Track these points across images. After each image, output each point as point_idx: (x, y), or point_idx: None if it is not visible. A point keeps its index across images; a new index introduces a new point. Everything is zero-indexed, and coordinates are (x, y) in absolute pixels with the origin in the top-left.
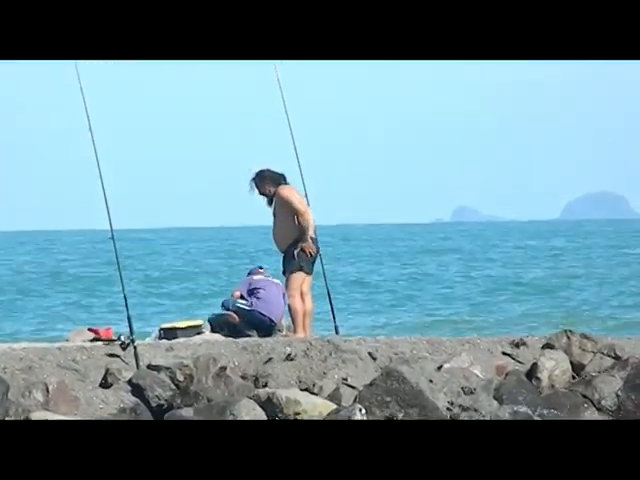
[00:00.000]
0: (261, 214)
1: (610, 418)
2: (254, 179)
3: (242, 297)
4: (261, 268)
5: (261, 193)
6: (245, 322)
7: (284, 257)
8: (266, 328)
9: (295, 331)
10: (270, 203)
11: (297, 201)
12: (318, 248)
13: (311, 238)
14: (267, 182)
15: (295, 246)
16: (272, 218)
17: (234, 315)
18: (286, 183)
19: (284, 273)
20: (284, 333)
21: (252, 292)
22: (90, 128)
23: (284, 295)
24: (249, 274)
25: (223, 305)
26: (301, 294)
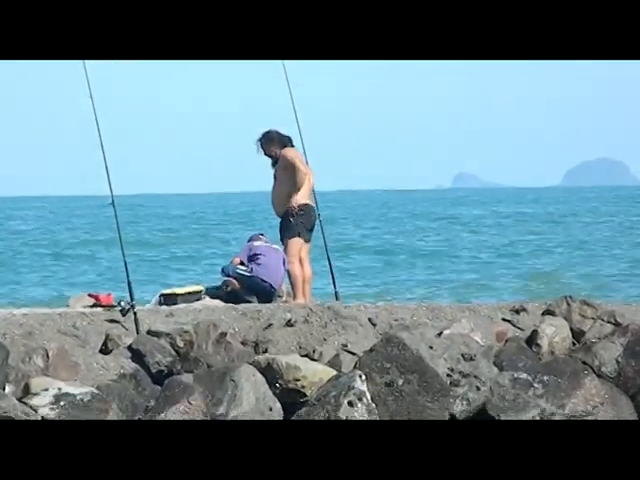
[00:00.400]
0: (260, 179)
1: (610, 384)
2: (260, 139)
3: (242, 263)
4: (262, 235)
5: (266, 154)
6: (245, 288)
7: (281, 222)
8: (266, 294)
9: (295, 297)
10: (275, 165)
11: (300, 162)
12: (318, 214)
13: (306, 205)
14: (273, 143)
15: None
16: (272, 180)
17: (234, 281)
18: (292, 145)
19: (282, 240)
20: (284, 299)
21: (252, 258)
22: (90, 94)
23: (284, 261)
24: (249, 240)
25: (223, 271)
26: (300, 260)
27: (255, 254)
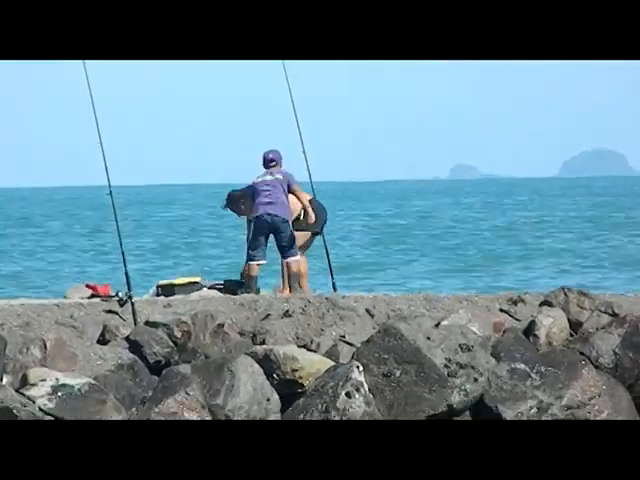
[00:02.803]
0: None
1: (607, 375)
2: (227, 206)
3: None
4: (273, 160)
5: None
6: (255, 235)
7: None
8: (272, 224)
9: (282, 288)
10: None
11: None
12: (325, 211)
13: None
14: (240, 202)
15: (295, 223)
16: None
17: (250, 265)
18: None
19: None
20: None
21: (253, 197)
22: (89, 85)
23: (278, 185)
24: (265, 161)
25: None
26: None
27: (254, 192)
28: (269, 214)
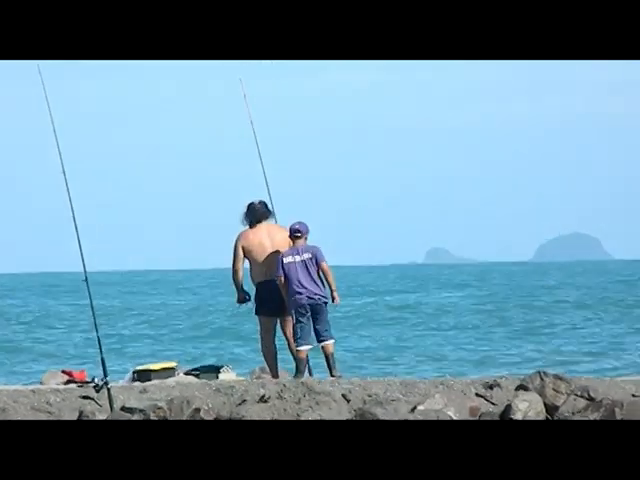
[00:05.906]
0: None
1: None
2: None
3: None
4: (299, 230)
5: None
6: (298, 320)
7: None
8: (312, 308)
9: (272, 375)
10: None
11: (236, 248)
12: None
13: (260, 283)
14: (245, 217)
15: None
16: None
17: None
18: (253, 225)
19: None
20: (257, 375)
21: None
22: (63, 169)
23: (311, 265)
24: (290, 232)
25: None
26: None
27: (285, 272)
28: (309, 297)
